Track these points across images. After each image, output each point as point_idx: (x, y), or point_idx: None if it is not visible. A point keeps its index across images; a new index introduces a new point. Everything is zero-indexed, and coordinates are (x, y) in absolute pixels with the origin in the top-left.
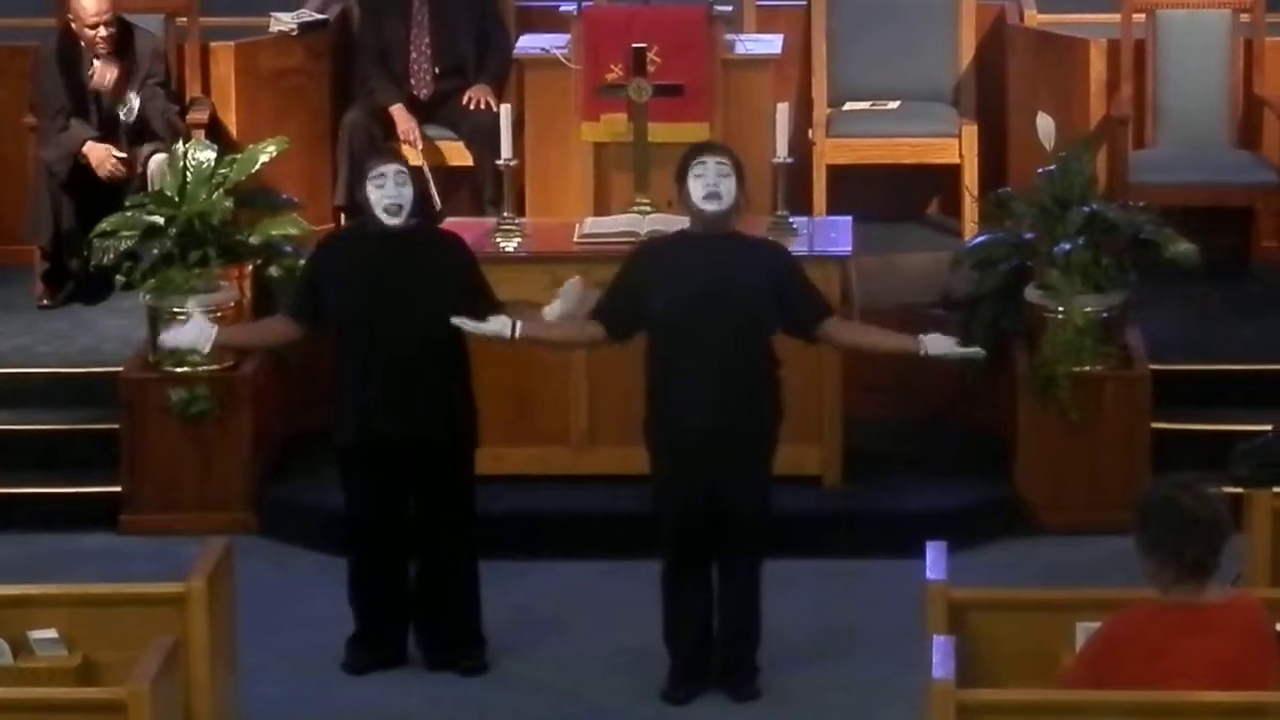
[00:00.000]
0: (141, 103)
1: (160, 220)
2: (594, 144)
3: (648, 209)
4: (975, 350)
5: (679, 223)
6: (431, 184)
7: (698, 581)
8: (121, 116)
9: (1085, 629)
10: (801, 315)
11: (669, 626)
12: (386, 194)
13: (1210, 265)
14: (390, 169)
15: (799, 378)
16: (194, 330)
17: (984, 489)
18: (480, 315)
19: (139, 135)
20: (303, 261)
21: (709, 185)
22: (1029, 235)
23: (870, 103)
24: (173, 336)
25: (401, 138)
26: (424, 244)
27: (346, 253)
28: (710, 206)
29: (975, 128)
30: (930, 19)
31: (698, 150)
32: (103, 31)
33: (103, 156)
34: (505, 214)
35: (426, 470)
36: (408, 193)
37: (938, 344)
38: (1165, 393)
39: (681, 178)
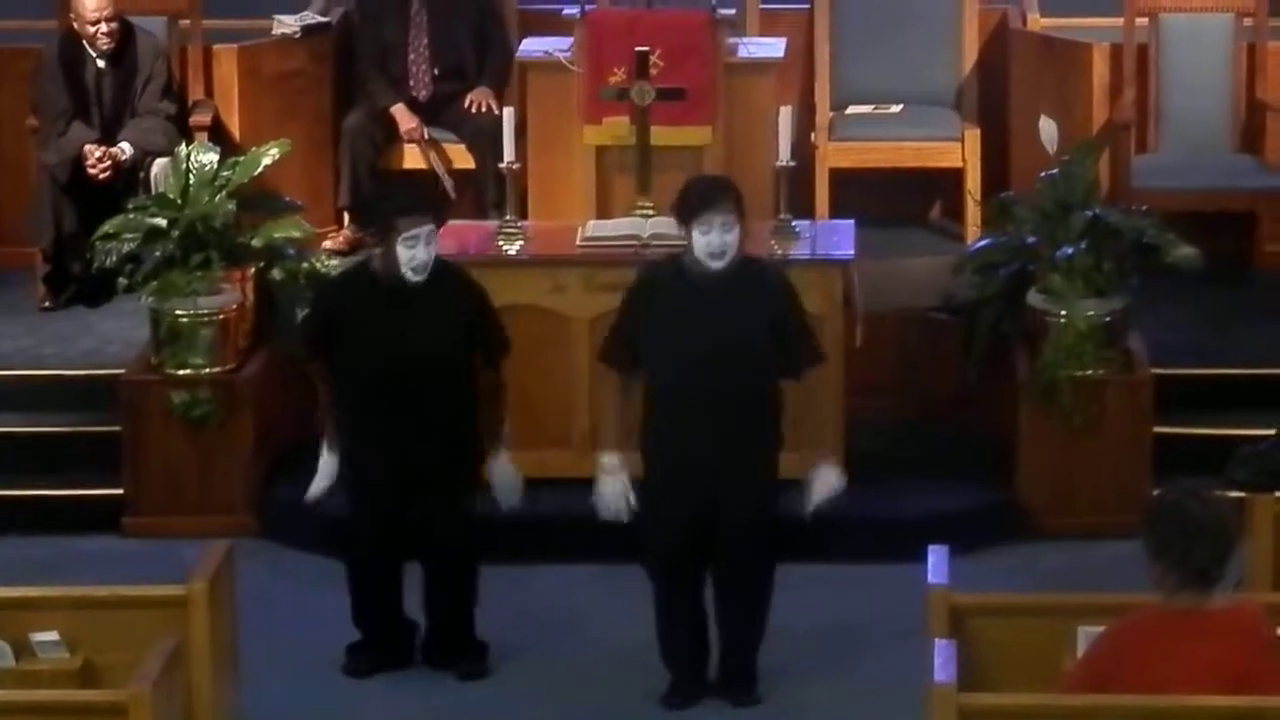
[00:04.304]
0: (136, 137)
1: (163, 223)
2: (596, 147)
3: (650, 212)
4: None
5: (679, 232)
6: (445, 177)
7: (691, 594)
8: (122, 158)
9: (1087, 634)
10: (792, 361)
11: (664, 639)
12: (417, 256)
13: (1212, 270)
14: (424, 231)
15: (800, 383)
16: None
17: (985, 493)
18: (489, 348)
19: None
20: (305, 265)
21: (714, 245)
22: (1031, 239)
23: (873, 106)
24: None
25: (406, 137)
26: (437, 284)
27: (359, 300)
28: (715, 265)
29: (978, 131)
30: (933, 23)
31: (703, 202)
32: (104, 28)
33: (95, 156)
34: (507, 217)
35: (434, 489)
36: (434, 250)
37: (821, 480)
38: (1167, 397)
39: (685, 220)
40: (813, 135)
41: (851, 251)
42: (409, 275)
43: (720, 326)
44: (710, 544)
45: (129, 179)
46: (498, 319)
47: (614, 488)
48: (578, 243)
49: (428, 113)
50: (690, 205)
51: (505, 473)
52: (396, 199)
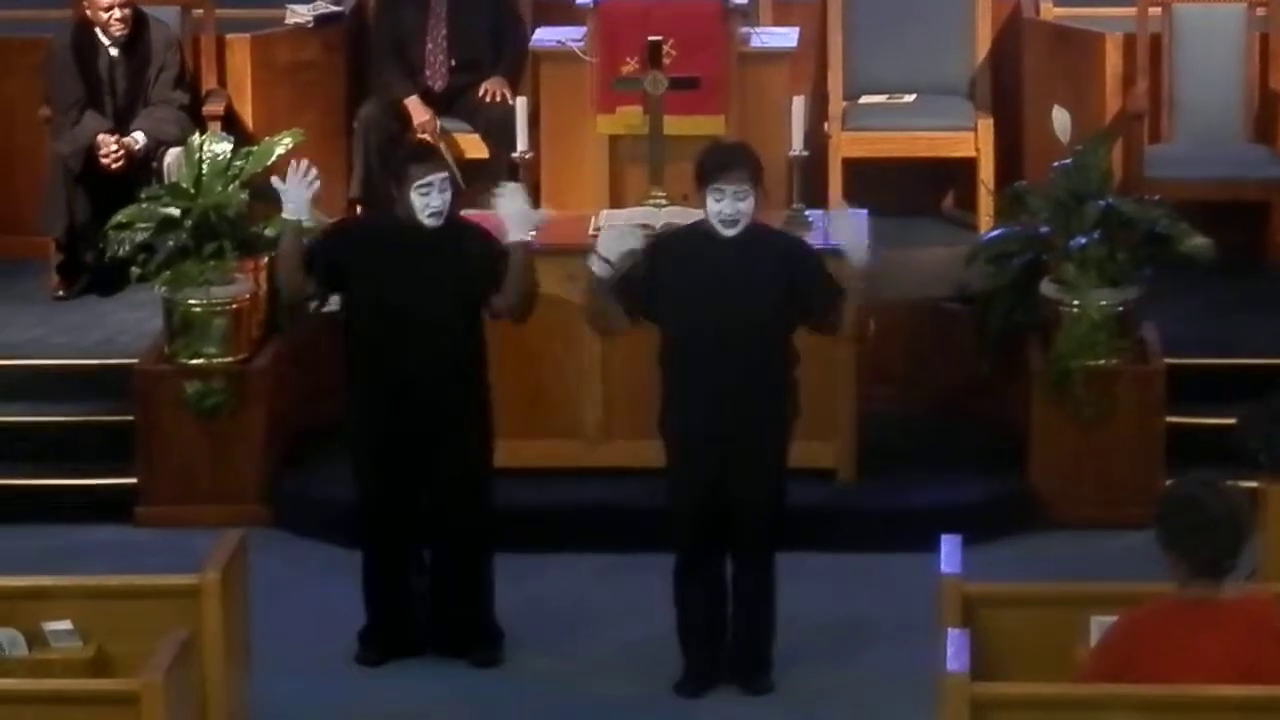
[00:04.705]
0: (149, 126)
1: (176, 212)
2: (609, 136)
3: (663, 202)
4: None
5: (695, 216)
6: (454, 169)
7: (710, 577)
8: (135, 148)
9: (1099, 623)
10: (816, 308)
11: (682, 621)
12: (432, 203)
13: (1225, 260)
14: (436, 178)
15: (814, 372)
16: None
17: (998, 483)
18: (491, 304)
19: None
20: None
21: (725, 213)
22: (1044, 229)
23: (886, 96)
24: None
25: (418, 130)
26: (453, 240)
27: (375, 249)
28: (726, 232)
29: (991, 121)
30: (946, 12)
31: (717, 168)
32: (117, 14)
33: (109, 146)
34: None
35: (442, 460)
36: (449, 197)
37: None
38: (1180, 387)
39: (700, 183)
40: (825, 125)
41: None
42: (427, 222)
43: (731, 295)
44: (728, 524)
45: (142, 169)
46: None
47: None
48: (590, 232)
49: (442, 103)
50: (705, 170)
51: (515, 196)
52: (408, 149)
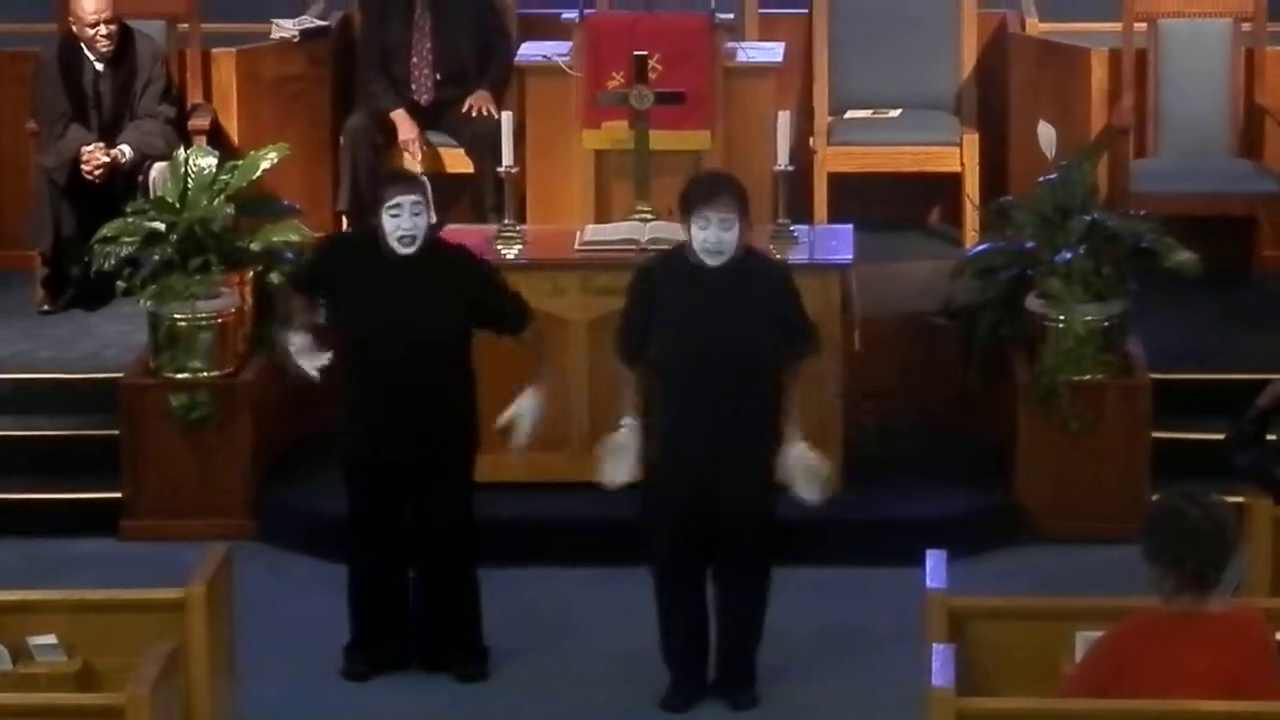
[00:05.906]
0: (136, 140)
1: (161, 226)
2: (595, 151)
3: (649, 216)
4: (810, 496)
5: (680, 231)
6: (429, 194)
7: (692, 593)
8: (121, 161)
9: (1085, 638)
10: (785, 354)
11: (666, 637)
12: (401, 225)
13: (1211, 274)
14: (407, 200)
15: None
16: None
17: (984, 497)
18: (505, 322)
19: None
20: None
21: (709, 242)
22: (1030, 244)
23: (871, 111)
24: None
25: (402, 146)
26: (436, 263)
27: (360, 264)
28: (711, 261)
29: (976, 136)
30: (932, 27)
31: (702, 196)
32: (103, 30)
33: (91, 155)
34: (506, 221)
35: (427, 478)
36: (422, 222)
37: (794, 459)
38: (1166, 402)
39: (685, 211)
40: (811, 140)
41: (850, 256)
42: (396, 247)
43: (719, 321)
44: (711, 541)
45: (128, 182)
46: (508, 290)
47: (619, 459)
48: (576, 247)
49: (428, 117)
50: (690, 200)
51: (530, 405)
52: (386, 172)
